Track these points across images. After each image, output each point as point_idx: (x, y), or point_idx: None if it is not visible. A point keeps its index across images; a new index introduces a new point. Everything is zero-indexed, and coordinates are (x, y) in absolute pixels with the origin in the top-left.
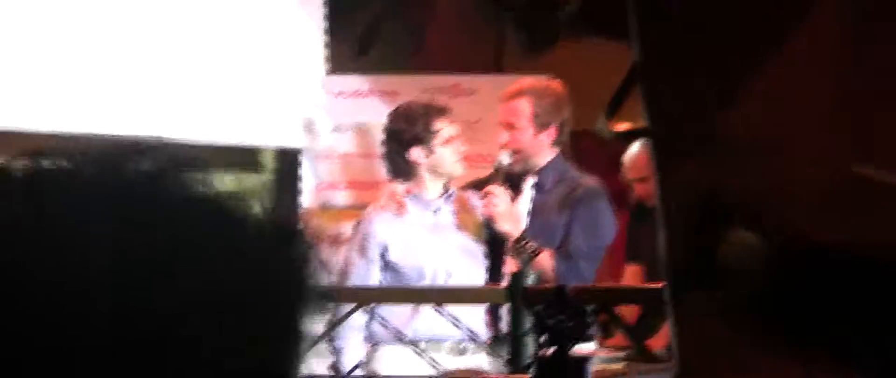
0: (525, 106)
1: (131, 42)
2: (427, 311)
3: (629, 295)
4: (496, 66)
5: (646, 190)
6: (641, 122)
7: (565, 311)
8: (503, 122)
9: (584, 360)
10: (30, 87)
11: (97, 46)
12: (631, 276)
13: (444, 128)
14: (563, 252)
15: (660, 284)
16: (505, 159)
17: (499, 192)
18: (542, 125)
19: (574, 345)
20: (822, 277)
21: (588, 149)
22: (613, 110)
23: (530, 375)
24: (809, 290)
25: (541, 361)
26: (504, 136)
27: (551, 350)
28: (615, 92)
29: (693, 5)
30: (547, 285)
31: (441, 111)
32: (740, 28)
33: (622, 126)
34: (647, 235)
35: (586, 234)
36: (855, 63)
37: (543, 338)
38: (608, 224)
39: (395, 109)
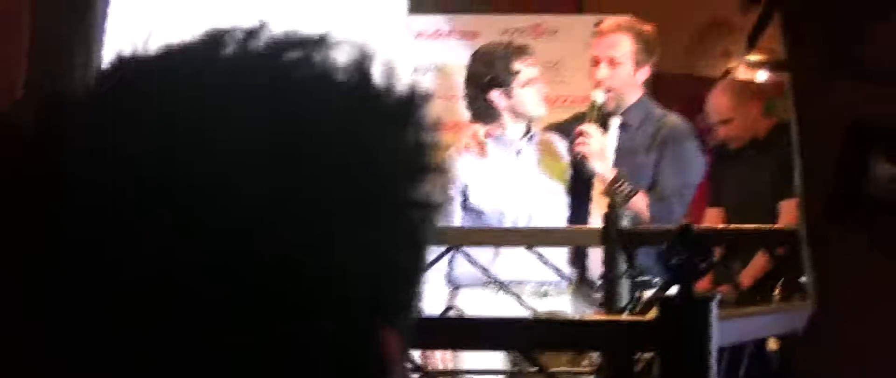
0: (627, 42)
1: None
2: (507, 254)
3: (758, 236)
4: (577, 6)
5: (728, 132)
6: (780, 54)
7: (692, 250)
8: (603, 57)
9: (710, 299)
10: None
11: None
12: (711, 219)
13: (524, 69)
14: (656, 192)
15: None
16: (600, 97)
17: (593, 130)
18: (639, 63)
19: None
20: None
21: (668, 90)
22: (753, 42)
23: (628, 316)
24: None
25: (663, 303)
26: (603, 71)
27: (674, 290)
28: (755, 23)
29: None
30: (643, 226)
31: (521, 52)
32: None
33: (760, 57)
34: (730, 178)
35: (676, 172)
36: None
37: (664, 278)
38: (698, 162)
39: (475, 52)
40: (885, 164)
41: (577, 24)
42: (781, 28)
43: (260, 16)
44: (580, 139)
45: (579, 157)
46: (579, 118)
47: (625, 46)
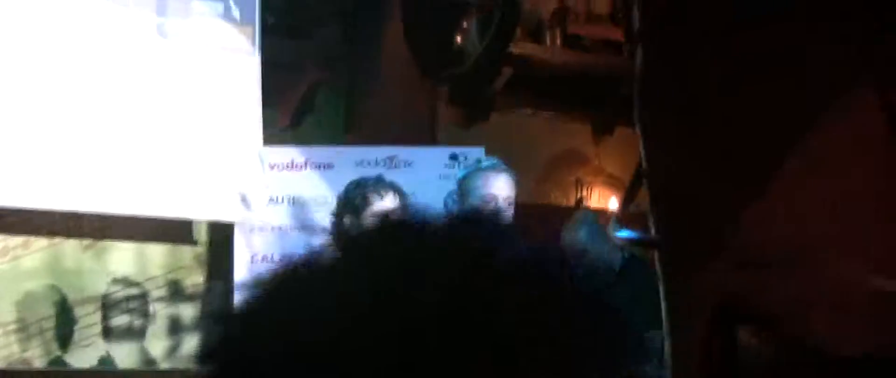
0: (509, 181)
1: (64, 116)
2: None
3: None
4: (430, 137)
5: None
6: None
7: None
8: (501, 194)
9: None
10: None
11: (33, 120)
12: None
13: (378, 202)
14: None
15: None
16: None
17: None
18: (511, 203)
19: None
20: None
21: (522, 220)
22: (622, 217)
23: None
24: None
25: None
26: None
27: None
28: (623, 197)
29: (702, 103)
30: None
31: (380, 186)
32: (757, 130)
33: (628, 235)
34: None
35: None
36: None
37: None
38: None
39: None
40: (752, 339)
41: (431, 156)
42: (651, 208)
43: (111, 153)
44: None
45: None
46: None
47: (509, 187)
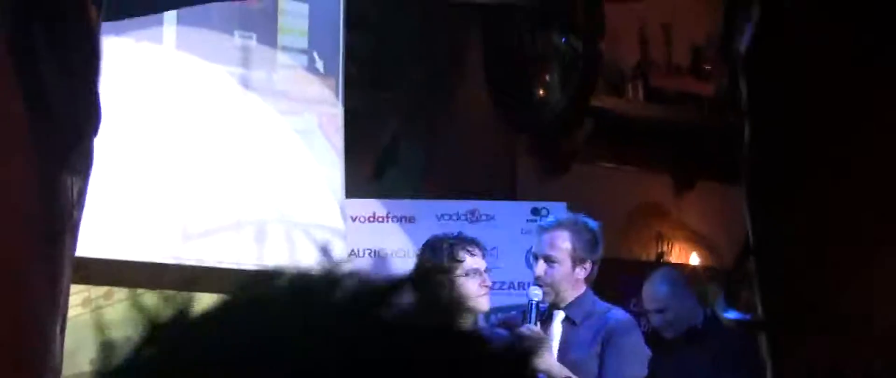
0: (565, 239)
1: (147, 166)
2: None
3: None
4: (511, 190)
5: (664, 320)
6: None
7: None
8: (540, 254)
9: None
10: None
11: (117, 171)
12: None
13: (468, 259)
14: None
15: None
16: (537, 294)
17: (535, 332)
18: (579, 260)
19: None
20: None
21: (600, 274)
22: (730, 299)
23: None
24: None
25: None
26: (539, 268)
27: None
28: (728, 278)
29: (803, 187)
30: None
31: (467, 243)
32: (850, 214)
33: (735, 315)
34: (663, 369)
35: (623, 367)
36: None
37: None
38: (643, 356)
39: (426, 241)
40: None
41: (512, 211)
42: (758, 287)
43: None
44: None
45: None
46: (520, 310)
47: (563, 244)
